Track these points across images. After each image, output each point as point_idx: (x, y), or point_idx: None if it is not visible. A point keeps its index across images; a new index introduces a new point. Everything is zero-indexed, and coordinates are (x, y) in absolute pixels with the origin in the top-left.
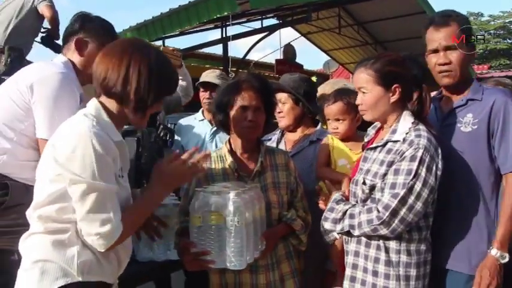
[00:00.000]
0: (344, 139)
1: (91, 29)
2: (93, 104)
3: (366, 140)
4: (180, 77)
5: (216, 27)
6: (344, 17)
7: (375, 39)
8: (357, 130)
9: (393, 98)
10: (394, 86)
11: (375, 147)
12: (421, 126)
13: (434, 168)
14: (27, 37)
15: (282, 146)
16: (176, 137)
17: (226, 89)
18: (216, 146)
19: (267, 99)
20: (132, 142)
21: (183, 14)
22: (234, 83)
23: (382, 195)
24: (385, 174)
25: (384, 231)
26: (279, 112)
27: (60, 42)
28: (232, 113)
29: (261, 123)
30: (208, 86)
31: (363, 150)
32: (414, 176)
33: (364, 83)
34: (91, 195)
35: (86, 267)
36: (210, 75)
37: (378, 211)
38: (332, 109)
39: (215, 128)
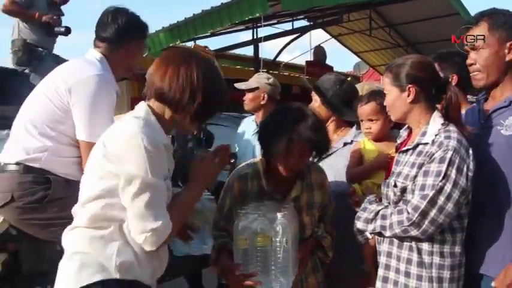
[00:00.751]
0: (377, 140)
1: (135, 27)
2: (142, 107)
3: (398, 141)
4: None
5: (246, 28)
6: (375, 19)
7: (406, 41)
8: (392, 129)
9: (409, 98)
10: (409, 86)
11: (406, 150)
12: (452, 127)
13: (464, 169)
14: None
15: None
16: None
17: (280, 128)
18: None
19: (319, 151)
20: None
21: (215, 15)
22: (288, 128)
23: (412, 197)
24: (415, 177)
25: (414, 232)
26: None
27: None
28: (277, 152)
29: (304, 166)
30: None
31: (396, 151)
32: (443, 177)
33: (385, 85)
34: (146, 192)
35: (125, 265)
36: (251, 80)
37: (408, 212)
38: (365, 109)
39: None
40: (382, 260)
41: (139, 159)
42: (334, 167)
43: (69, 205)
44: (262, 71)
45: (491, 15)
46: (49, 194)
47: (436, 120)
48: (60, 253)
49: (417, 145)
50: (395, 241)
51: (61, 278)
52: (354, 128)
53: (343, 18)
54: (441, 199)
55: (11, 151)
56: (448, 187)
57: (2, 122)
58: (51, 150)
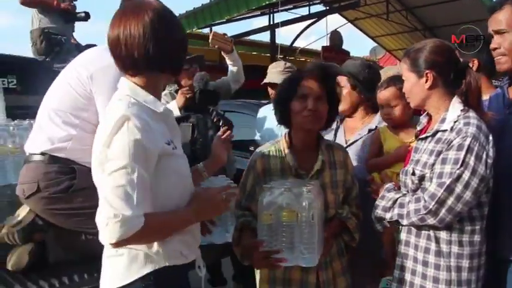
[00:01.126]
0: (397, 126)
1: None
2: (125, 84)
3: (418, 128)
4: (230, 62)
5: (262, 14)
6: (392, 2)
7: (424, 24)
8: (412, 117)
9: (427, 84)
10: (426, 71)
11: (425, 138)
12: (471, 114)
13: (484, 156)
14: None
15: (340, 133)
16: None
17: (288, 79)
18: None
19: (329, 89)
20: (187, 128)
21: (232, 1)
22: (296, 72)
23: (429, 185)
24: (433, 164)
25: (431, 220)
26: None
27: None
28: (293, 103)
29: (322, 113)
30: (275, 86)
31: (416, 138)
32: (462, 165)
33: (403, 71)
34: (123, 177)
35: (171, 251)
36: (274, 74)
37: (425, 200)
38: (384, 94)
39: None
40: (400, 248)
41: (122, 144)
42: (360, 153)
43: (94, 195)
44: (279, 57)
45: None
46: (74, 184)
47: (456, 106)
48: (85, 242)
49: (436, 132)
50: (413, 230)
51: (110, 275)
52: (378, 114)
53: (360, 2)
54: (459, 187)
55: (35, 141)
56: (466, 175)
57: (24, 112)
58: (75, 139)
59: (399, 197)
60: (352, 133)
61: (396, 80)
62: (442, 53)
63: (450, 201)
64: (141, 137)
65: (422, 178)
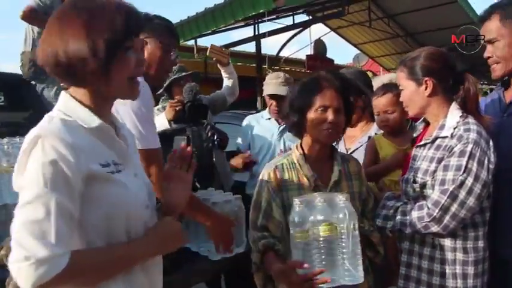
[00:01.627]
0: (393, 132)
1: (150, 28)
2: (61, 97)
3: (414, 135)
4: (226, 75)
5: (247, 25)
6: (374, 10)
7: (405, 31)
8: (409, 121)
9: (427, 92)
10: (425, 79)
11: (424, 144)
12: (471, 119)
13: (486, 162)
14: None
15: (340, 143)
16: (239, 140)
17: (304, 87)
18: (284, 145)
19: (346, 100)
20: (181, 141)
21: (219, 13)
22: (312, 80)
23: (432, 192)
24: (435, 171)
25: (435, 228)
26: None
27: None
28: (311, 114)
29: (341, 125)
30: (275, 97)
31: (412, 144)
32: (464, 171)
33: (400, 80)
34: (32, 206)
35: None
36: (274, 85)
37: (428, 208)
38: (381, 101)
39: (282, 127)
40: (403, 258)
41: (35, 168)
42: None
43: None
44: (266, 67)
45: (503, 7)
46: None
47: (454, 112)
48: None
49: (435, 139)
50: (417, 238)
51: None
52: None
53: (344, 11)
54: (462, 193)
55: None
56: (469, 181)
57: (13, 129)
58: None
59: (400, 205)
60: (351, 142)
61: (392, 87)
62: (440, 60)
63: (454, 207)
64: (58, 157)
65: (423, 186)
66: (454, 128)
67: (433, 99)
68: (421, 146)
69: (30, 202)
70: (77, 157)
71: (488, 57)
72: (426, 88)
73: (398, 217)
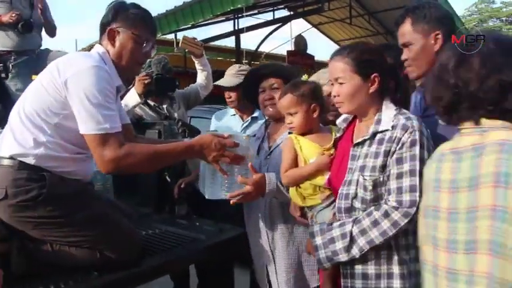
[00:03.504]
0: (305, 133)
1: (124, 18)
2: None
3: (338, 135)
4: (200, 67)
5: (227, 19)
6: (355, 7)
7: (385, 28)
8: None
9: (372, 88)
10: (373, 75)
11: (363, 142)
12: (405, 111)
13: (431, 149)
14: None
15: (266, 142)
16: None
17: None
18: None
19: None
20: (153, 135)
21: (197, 7)
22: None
23: (389, 188)
24: (383, 166)
25: (400, 218)
26: (270, 99)
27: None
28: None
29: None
30: (228, 89)
31: (335, 145)
32: (420, 161)
33: (341, 73)
34: None
35: None
36: (227, 77)
37: (388, 200)
38: (282, 103)
39: (246, 123)
40: (356, 284)
41: None
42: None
43: (63, 204)
44: (244, 62)
45: (413, 11)
46: (43, 193)
47: (389, 106)
48: (51, 253)
49: (374, 134)
50: (370, 257)
51: None
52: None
53: (324, 7)
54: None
55: (5, 144)
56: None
57: None
58: (46, 146)
59: (349, 226)
60: (274, 139)
61: (293, 86)
62: (385, 58)
63: (417, 196)
64: None
65: (375, 184)
66: (393, 120)
67: (373, 96)
68: (359, 144)
69: None
70: None
71: (405, 60)
72: (372, 85)
73: (361, 238)
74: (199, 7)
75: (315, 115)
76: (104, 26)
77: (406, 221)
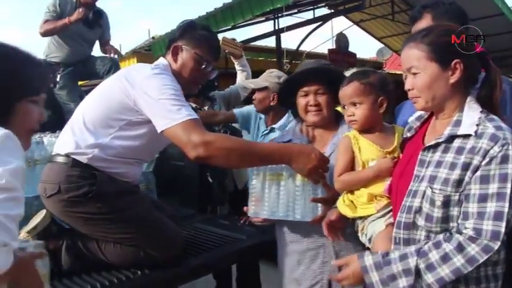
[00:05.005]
0: (366, 131)
1: (189, 37)
2: None
3: (408, 134)
4: (239, 68)
5: (267, 19)
6: (397, 3)
7: None
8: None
9: (453, 78)
10: (455, 61)
11: (435, 146)
12: (494, 116)
13: None
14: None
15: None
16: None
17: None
18: None
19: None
20: None
21: (237, 8)
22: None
23: (460, 210)
24: (460, 181)
25: (483, 257)
26: (316, 105)
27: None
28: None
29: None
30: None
31: (401, 147)
32: (511, 181)
33: (415, 61)
34: None
35: None
36: (255, 80)
37: (473, 239)
38: (346, 91)
39: (265, 132)
40: None
41: None
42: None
43: (111, 202)
44: (285, 61)
45: (432, 6)
46: (93, 190)
47: (472, 106)
48: (98, 251)
49: (451, 138)
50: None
51: None
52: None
53: (365, 4)
54: (510, 212)
55: (64, 142)
56: None
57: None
58: (101, 148)
59: (413, 261)
60: (323, 145)
61: (360, 74)
62: (471, 41)
63: (503, 228)
64: None
65: (447, 202)
66: (477, 125)
67: (455, 89)
68: (431, 147)
69: None
70: None
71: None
72: (453, 74)
73: (428, 275)
74: (238, 8)
75: (381, 110)
76: (170, 42)
77: (486, 257)
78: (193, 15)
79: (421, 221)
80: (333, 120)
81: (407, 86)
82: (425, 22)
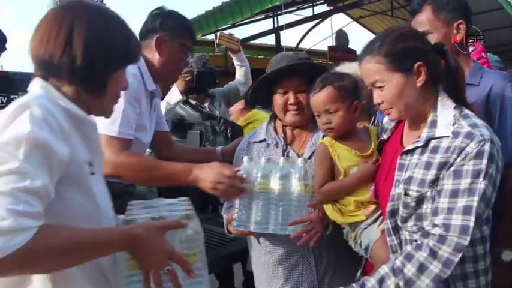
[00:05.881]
0: (343, 137)
1: (171, 27)
2: (37, 84)
3: (385, 136)
4: (238, 63)
5: (266, 17)
6: None
7: None
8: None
9: (420, 81)
10: (417, 64)
11: (413, 149)
12: (468, 111)
13: (500, 164)
14: None
15: (290, 149)
16: None
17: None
18: None
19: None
20: (195, 135)
21: (235, 7)
22: None
23: (431, 206)
24: (435, 180)
25: (457, 256)
26: (296, 103)
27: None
28: None
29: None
30: None
31: (379, 150)
32: (484, 177)
33: (377, 75)
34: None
35: None
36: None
37: (441, 240)
38: (319, 97)
39: None
40: None
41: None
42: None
43: None
44: None
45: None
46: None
47: (446, 103)
48: None
49: (428, 140)
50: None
51: None
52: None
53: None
54: (481, 206)
55: None
56: (489, 190)
57: None
58: None
59: (391, 282)
60: (303, 146)
61: (333, 77)
62: (417, 37)
63: (472, 224)
64: (47, 132)
65: (420, 200)
66: (453, 124)
67: (425, 90)
68: (408, 151)
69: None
70: (63, 139)
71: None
72: (418, 77)
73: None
74: (237, 7)
75: (356, 114)
76: (149, 33)
77: (459, 255)
78: (192, 14)
79: (399, 223)
80: (311, 119)
81: (376, 100)
82: (425, 15)
